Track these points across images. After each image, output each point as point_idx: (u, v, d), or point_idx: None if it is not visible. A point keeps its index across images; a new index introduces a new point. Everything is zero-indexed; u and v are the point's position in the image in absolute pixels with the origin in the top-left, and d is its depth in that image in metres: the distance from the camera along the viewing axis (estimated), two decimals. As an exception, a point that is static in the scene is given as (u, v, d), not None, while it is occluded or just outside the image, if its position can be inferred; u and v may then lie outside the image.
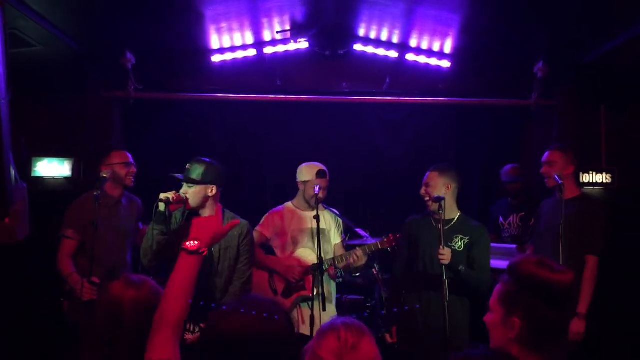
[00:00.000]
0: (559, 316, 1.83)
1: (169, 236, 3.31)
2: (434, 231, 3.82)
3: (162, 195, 3.27)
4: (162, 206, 3.27)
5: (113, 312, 1.95)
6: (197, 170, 3.37)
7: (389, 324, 3.97)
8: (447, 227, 3.74)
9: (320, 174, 4.18)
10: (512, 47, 5.30)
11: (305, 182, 4.22)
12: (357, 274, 5.17)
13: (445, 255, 3.57)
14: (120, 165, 4.11)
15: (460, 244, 3.81)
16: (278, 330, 1.43)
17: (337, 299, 4.65)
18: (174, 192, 3.32)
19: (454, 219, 3.83)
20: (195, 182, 3.35)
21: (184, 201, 3.33)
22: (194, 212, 3.43)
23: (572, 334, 3.87)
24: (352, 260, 4.10)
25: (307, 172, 4.24)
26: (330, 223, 4.35)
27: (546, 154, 4.27)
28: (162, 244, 3.29)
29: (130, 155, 4.22)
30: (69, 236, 4.00)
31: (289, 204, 4.34)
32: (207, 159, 3.46)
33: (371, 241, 4.39)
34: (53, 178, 5.30)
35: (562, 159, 4.18)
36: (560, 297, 1.82)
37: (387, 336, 3.92)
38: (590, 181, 5.40)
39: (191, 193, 3.35)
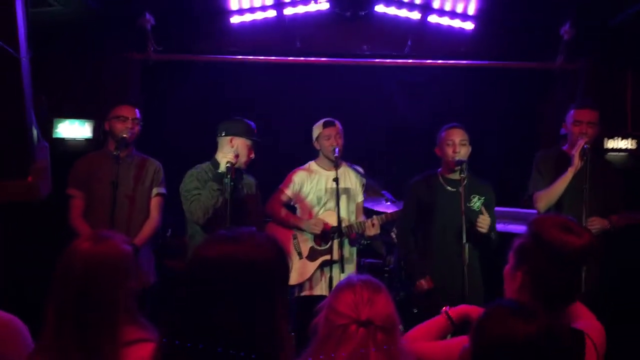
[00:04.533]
0: (565, 277, 1.83)
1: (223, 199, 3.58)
2: (447, 195, 3.80)
3: (229, 158, 3.57)
4: (223, 167, 3.57)
5: (64, 264, 1.80)
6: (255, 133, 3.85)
7: (419, 270, 3.84)
8: (460, 188, 3.67)
9: (327, 123, 4.17)
10: (538, 8, 5.17)
11: (317, 138, 4.21)
12: (369, 241, 5.15)
13: (484, 224, 3.59)
14: (116, 120, 3.99)
15: (478, 204, 3.81)
16: (266, 260, 1.41)
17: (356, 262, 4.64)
18: (232, 154, 3.62)
19: (464, 177, 3.69)
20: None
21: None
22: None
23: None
24: (366, 229, 4.09)
25: (316, 128, 4.24)
26: (354, 181, 4.31)
27: (587, 112, 3.86)
28: (219, 204, 3.58)
29: (134, 110, 4.04)
30: (72, 195, 3.97)
31: (312, 163, 4.32)
32: None
33: (392, 208, 4.39)
34: (74, 139, 5.32)
35: (599, 119, 3.88)
36: (568, 259, 1.81)
37: (423, 282, 3.79)
38: (615, 147, 5.31)
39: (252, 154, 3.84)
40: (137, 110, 4.07)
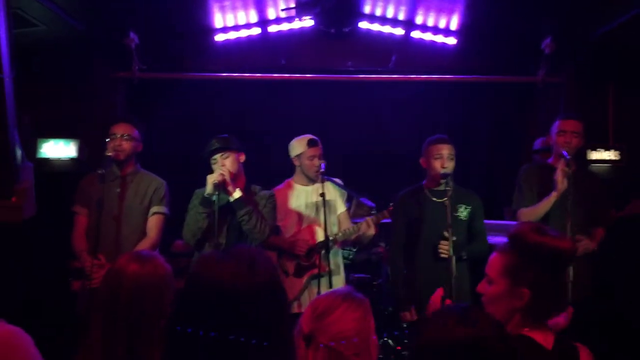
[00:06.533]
0: (561, 282, 1.88)
1: (211, 218, 3.58)
2: (434, 206, 3.81)
3: (214, 179, 3.52)
4: (210, 189, 3.53)
5: (112, 286, 1.88)
6: (223, 140, 3.70)
7: (404, 302, 3.82)
8: (446, 198, 3.63)
9: (311, 143, 4.12)
10: (519, 23, 5.24)
11: (299, 156, 4.17)
12: (360, 249, 5.12)
13: (444, 249, 3.58)
14: (108, 139, 3.90)
15: (465, 213, 3.80)
16: (261, 282, 1.35)
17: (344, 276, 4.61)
18: (218, 173, 3.54)
19: (449, 189, 3.66)
20: (228, 148, 3.68)
21: (225, 179, 3.58)
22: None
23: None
24: (364, 229, 4.06)
25: (298, 145, 4.17)
26: (334, 194, 4.26)
27: (571, 122, 3.85)
28: (205, 226, 3.62)
29: (125, 127, 3.91)
30: (76, 211, 3.94)
31: (289, 181, 4.30)
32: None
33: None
34: (59, 159, 5.29)
35: (583, 130, 3.89)
36: (564, 264, 1.84)
37: (407, 314, 3.78)
38: (598, 158, 5.36)
39: (228, 161, 3.66)
40: (130, 126, 3.93)
